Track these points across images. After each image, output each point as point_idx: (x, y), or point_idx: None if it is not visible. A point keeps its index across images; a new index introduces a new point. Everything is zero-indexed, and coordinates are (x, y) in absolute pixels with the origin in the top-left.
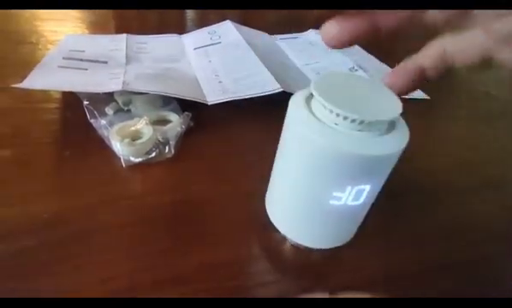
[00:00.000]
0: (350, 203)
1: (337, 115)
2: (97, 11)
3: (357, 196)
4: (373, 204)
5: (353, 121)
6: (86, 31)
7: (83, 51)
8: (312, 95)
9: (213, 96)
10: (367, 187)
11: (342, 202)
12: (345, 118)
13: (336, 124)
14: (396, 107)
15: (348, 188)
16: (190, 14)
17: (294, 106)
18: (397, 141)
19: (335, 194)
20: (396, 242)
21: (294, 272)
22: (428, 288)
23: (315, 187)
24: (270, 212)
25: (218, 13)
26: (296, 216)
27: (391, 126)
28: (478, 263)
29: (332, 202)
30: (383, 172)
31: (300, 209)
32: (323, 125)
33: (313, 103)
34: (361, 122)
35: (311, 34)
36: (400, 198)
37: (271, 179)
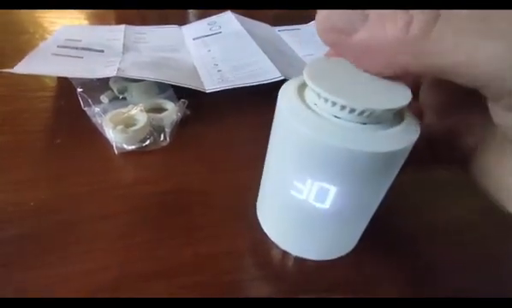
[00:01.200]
0: (314, 202)
1: (326, 100)
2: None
3: (321, 196)
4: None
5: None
6: (86, 22)
7: (79, 41)
8: (305, 84)
9: (211, 84)
10: (333, 189)
11: (303, 196)
12: (326, 101)
13: (336, 117)
14: (396, 96)
15: (308, 182)
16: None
17: (284, 95)
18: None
19: (295, 183)
20: (402, 240)
21: (294, 266)
22: (434, 288)
23: (279, 172)
24: (259, 213)
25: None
26: (273, 213)
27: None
28: (489, 262)
29: (293, 192)
30: (352, 175)
31: (270, 201)
32: (315, 115)
33: (306, 92)
34: (352, 110)
35: (314, 26)
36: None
37: (262, 180)
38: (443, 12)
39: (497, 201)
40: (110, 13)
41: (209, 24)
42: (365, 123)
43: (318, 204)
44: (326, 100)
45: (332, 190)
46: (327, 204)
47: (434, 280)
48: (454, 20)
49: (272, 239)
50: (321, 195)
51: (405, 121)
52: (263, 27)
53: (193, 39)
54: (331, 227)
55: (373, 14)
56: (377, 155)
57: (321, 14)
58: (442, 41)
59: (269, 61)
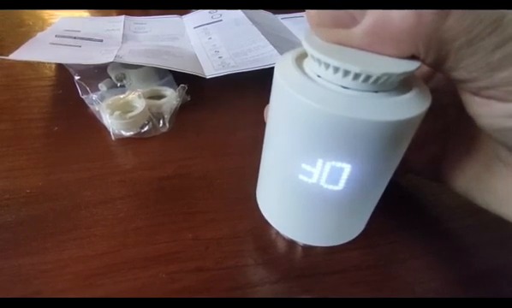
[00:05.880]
0: (326, 185)
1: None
2: None
3: (334, 177)
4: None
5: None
6: (86, 14)
7: (78, 31)
8: (304, 54)
9: (212, 70)
10: (347, 167)
11: (314, 180)
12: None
13: (344, 87)
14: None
15: (319, 163)
16: None
17: (282, 71)
18: (390, 105)
19: (304, 166)
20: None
21: (302, 250)
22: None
23: (284, 156)
24: (259, 200)
25: None
26: (277, 201)
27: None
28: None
29: (301, 177)
30: (369, 148)
31: (273, 188)
32: (322, 88)
33: (306, 64)
34: (347, 74)
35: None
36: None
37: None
38: None
39: (483, 204)
40: None
41: (210, 12)
42: (376, 91)
43: (330, 187)
44: (336, 69)
45: (346, 169)
46: (340, 186)
47: (449, 260)
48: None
49: (277, 228)
50: (334, 176)
51: (415, 88)
52: (265, 15)
53: (194, 28)
54: (344, 210)
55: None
56: (396, 123)
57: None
58: (460, 25)
59: (271, 46)
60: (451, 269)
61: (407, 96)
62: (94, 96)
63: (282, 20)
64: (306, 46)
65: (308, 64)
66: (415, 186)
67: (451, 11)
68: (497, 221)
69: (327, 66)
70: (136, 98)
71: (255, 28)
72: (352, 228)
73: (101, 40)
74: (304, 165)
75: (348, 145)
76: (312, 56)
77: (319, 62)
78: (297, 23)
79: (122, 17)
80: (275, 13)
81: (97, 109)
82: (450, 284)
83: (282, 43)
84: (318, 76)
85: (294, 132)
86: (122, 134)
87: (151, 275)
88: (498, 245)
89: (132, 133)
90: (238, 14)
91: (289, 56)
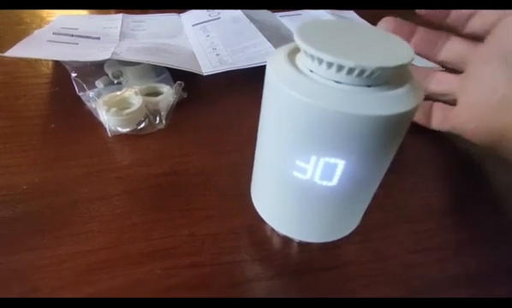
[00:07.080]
0: (320, 181)
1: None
2: None
3: (327, 173)
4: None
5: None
6: (84, 13)
7: (76, 29)
8: (296, 49)
9: (209, 67)
10: (341, 163)
11: (307, 176)
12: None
13: (337, 82)
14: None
15: (313, 159)
16: None
17: (274, 67)
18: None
19: (298, 163)
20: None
21: (297, 246)
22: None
23: (278, 153)
24: (254, 197)
25: None
26: (271, 198)
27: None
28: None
29: (296, 173)
30: (363, 143)
31: (268, 185)
32: (315, 83)
33: (299, 59)
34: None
35: (313, 11)
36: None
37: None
38: None
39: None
40: None
41: (208, 10)
42: (369, 86)
43: (324, 183)
44: (330, 64)
45: (340, 164)
46: (334, 181)
47: (445, 255)
48: None
49: (272, 225)
50: (328, 172)
51: (407, 83)
52: (263, 13)
53: (193, 26)
54: (338, 205)
55: None
56: (389, 117)
57: None
58: None
59: (268, 43)
60: (449, 264)
61: (400, 90)
62: (91, 93)
63: (279, 18)
64: (299, 42)
65: (301, 59)
66: (411, 182)
67: None
68: (493, 217)
69: (320, 61)
70: (133, 95)
71: (253, 26)
72: (347, 224)
73: (98, 38)
74: (298, 162)
75: (342, 141)
76: (305, 52)
77: (312, 57)
78: (295, 20)
79: (120, 15)
80: (273, 11)
81: (93, 106)
82: (448, 280)
83: (280, 40)
84: (311, 71)
85: (287, 128)
86: (118, 131)
87: (147, 271)
88: (496, 242)
89: (128, 129)
90: (236, 11)
91: (282, 52)
